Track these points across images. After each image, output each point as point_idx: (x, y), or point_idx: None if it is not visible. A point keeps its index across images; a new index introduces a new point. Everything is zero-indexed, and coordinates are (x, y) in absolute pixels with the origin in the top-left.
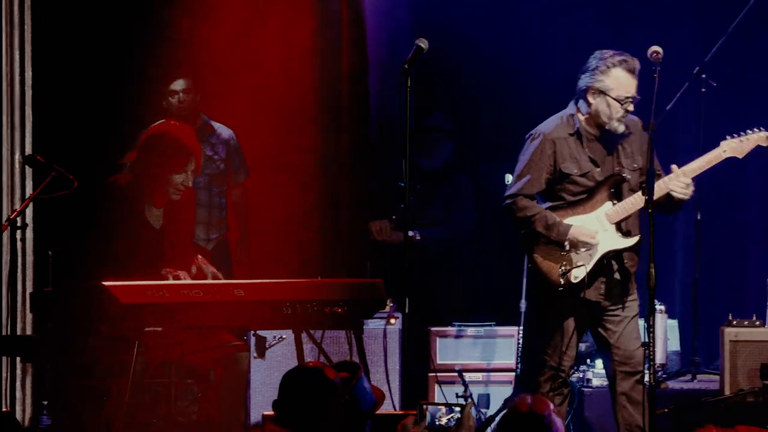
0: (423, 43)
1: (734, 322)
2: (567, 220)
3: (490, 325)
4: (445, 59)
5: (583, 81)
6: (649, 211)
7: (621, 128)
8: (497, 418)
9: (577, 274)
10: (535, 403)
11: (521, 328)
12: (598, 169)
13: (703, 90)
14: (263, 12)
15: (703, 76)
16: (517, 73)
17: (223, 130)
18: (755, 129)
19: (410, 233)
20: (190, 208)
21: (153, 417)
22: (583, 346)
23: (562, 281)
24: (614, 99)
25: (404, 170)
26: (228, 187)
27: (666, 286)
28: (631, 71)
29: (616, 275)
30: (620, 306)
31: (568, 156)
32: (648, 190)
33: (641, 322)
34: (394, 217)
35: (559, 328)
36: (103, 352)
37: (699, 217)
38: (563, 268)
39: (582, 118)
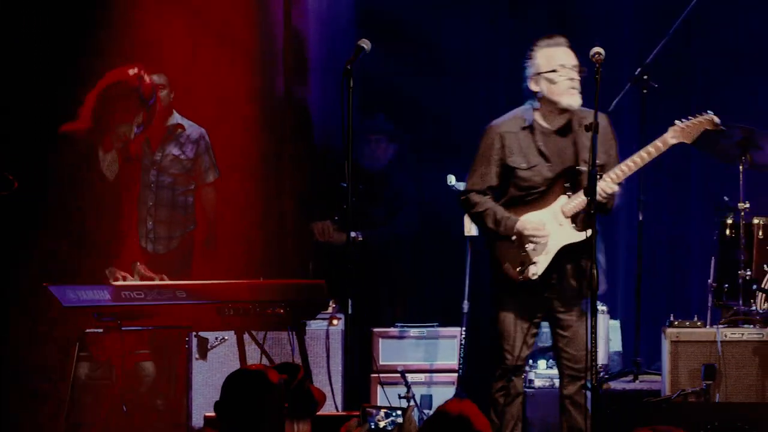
0: (365, 44)
1: (676, 323)
2: (524, 216)
3: (432, 326)
4: (388, 60)
5: (525, 76)
6: (592, 211)
7: (576, 101)
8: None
9: (535, 270)
10: (463, 406)
11: (464, 329)
12: (549, 164)
13: (645, 91)
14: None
15: (645, 77)
16: (460, 74)
17: (194, 130)
18: (703, 113)
19: (352, 234)
20: (136, 175)
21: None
22: None
23: (520, 276)
24: (549, 72)
25: (346, 171)
26: (197, 186)
27: (608, 286)
28: (555, 44)
29: (572, 276)
30: (574, 309)
31: (517, 150)
32: (590, 191)
33: None
34: (336, 218)
35: (514, 326)
36: (43, 353)
37: (641, 218)
38: (521, 263)
39: (536, 112)
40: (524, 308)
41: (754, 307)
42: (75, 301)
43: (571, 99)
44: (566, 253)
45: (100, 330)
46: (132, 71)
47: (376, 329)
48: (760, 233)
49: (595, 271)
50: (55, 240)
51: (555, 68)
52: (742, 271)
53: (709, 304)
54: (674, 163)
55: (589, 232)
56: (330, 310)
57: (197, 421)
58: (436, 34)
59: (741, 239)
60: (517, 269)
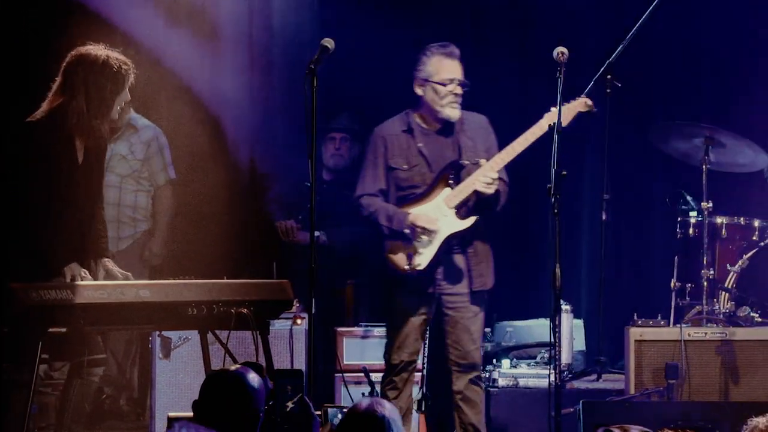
0: (329, 44)
1: (639, 322)
2: (414, 210)
3: None
4: (353, 60)
5: (413, 76)
6: (555, 211)
7: (455, 114)
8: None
9: (420, 261)
10: (373, 404)
11: (427, 328)
12: (429, 164)
13: (609, 91)
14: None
15: (609, 76)
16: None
17: (147, 131)
18: (577, 97)
19: (316, 234)
20: (102, 162)
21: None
22: (489, 346)
23: (407, 267)
24: (438, 83)
25: (311, 170)
26: (151, 187)
27: (572, 285)
28: (449, 55)
29: (456, 271)
30: (461, 305)
31: (398, 151)
32: (554, 189)
33: (546, 322)
34: (300, 217)
35: (405, 321)
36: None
37: (605, 217)
38: (408, 255)
39: (416, 114)
40: (413, 304)
41: (717, 307)
42: (38, 300)
43: (452, 112)
44: (451, 247)
45: (63, 330)
46: (97, 47)
47: (339, 329)
48: (724, 233)
49: (558, 270)
50: (19, 237)
51: (444, 81)
52: (706, 271)
53: (673, 304)
54: (638, 163)
55: (472, 219)
56: (294, 309)
57: (160, 421)
58: (401, 34)
59: (704, 239)
60: (405, 261)
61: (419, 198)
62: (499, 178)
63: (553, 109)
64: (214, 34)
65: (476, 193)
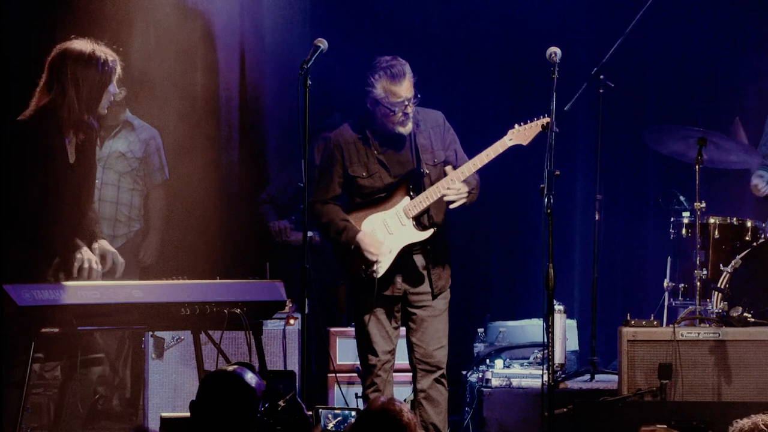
0: (322, 44)
1: (632, 322)
2: (367, 219)
3: None
4: (348, 60)
5: (366, 90)
6: (548, 212)
7: (407, 130)
8: None
9: (376, 268)
10: (389, 402)
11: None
12: (387, 171)
13: (601, 91)
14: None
15: (602, 76)
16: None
17: (144, 130)
18: (539, 117)
19: (309, 234)
20: (93, 160)
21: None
22: (482, 346)
23: (364, 275)
24: (386, 107)
25: (304, 171)
26: (145, 186)
27: (565, 286)
28: (395, 77)
29: (417, 271)
30: (424, 304)
31: (356, 159)
32: (547, 189)
33: (539, 322)
34: (293, 217)
35: (370, 322)
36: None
37: (598, 218)
38: (365, 261)
39: (368, 122)
40: (376, 305)
41: (710, 307)
42: (30, 300)
43: (404, 129)
44: (409, 251)
45: (56, 330)
46: (82, 41)
47: (332, 329)
48: (716, 233)
49: (552, 270)
50: (11, 238)
51: (393, 106)
52: (699, 271)
53: (666, 304)
54: (631, 163)
55: (430, 231)
56: (287, 309)
57: (153, 421)
58: (391, 35)
59: (697, 239)
60: (362, 268)
61: (376, 204)
62: (469, 191)
63: (517, 126)
64: (205, 34)
65: (436, 202)
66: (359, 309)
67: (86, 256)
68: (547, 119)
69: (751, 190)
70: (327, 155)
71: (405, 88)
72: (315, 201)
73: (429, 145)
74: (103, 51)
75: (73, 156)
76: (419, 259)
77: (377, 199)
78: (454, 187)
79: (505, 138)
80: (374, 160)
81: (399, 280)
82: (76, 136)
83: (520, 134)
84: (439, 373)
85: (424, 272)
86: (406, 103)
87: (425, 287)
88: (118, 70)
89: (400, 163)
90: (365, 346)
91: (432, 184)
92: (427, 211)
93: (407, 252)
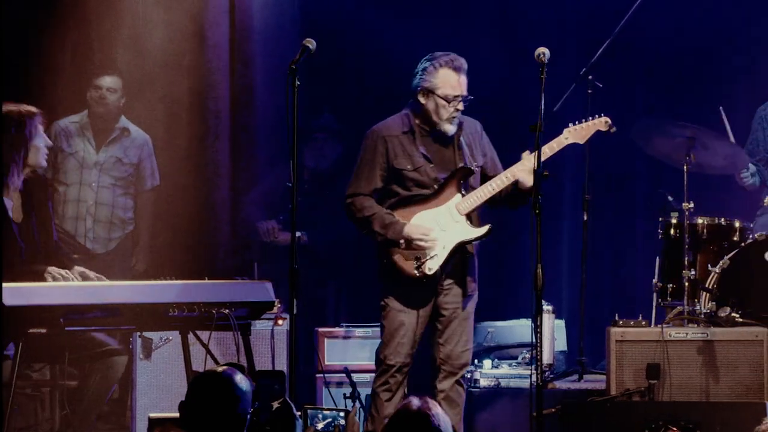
0: (310, 44)
1: (620, 322)
2: (418, 214)
3: (378, 326)
4: (335, 60)
5: (414, 82)
6: (537, 212)
7: (452, 130)
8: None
9: (431, 266)
10: (423, 403)
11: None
12: (432, 165)
13: (590, 91)
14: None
15: (590, 77)
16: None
17: (139, 135)
18: (597, 115)
19: (298, 234)
20: (45, 205)
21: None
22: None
23: (417, 273)
24: (442, 98)
25: (292, 171)
26: (136, 191)
27: (553, 286)
28: (457, 69)
29: (456, 271)
30: (456, 304)
31: (401, 152)
32: (534, 191)
33: (528, 322)
34: (281, 217)
35: (405, 324)
36: None
37: (586, 218)
38: (417, 258)
39: (416, 117)
40: (414, 307)
41: (698, 307)
42: (17, 301)
43: (449, 127)
44: (457, 250)
45: (43, 330)
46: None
47: (321, 329)
48: (705, 233)
49: (540, 270)
50: None
51: (448, 96)
52: (687, 271)
53: (654, 304)
54: (620, 163)
55: (486, 228)
56: (275, 310)
57: (141, 421)
58: (382, 36)
59: (685, 239)
60: (414, 266)
61: (426, 199)
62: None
63: (571, 125)
64: (195, 32)
65: (487, 201)
66: (392, 308)
67: (54, 273)
68: (606, 118)
69: (735, 179)
70: (370, 147)
71: (463, 83)
72: (356, 193)
73: (470, 149)
74: (16, 110)
75: (19, 214)
76: (458, 262)
77: (424, 195)
78: (528, 167)
79: (561, 137)
80: (419, 154)
81: (441, 281)
82: (20, 195)
83: (577, 133)
84: (461, 374)
85: (460, 275)
86: (461, 98)
87: (459, 288)
88: (41, 122)
89: (444, 160)
90: (393, 346)
91: (471, 186)
92: (478, 209)
93: (455, 250)
